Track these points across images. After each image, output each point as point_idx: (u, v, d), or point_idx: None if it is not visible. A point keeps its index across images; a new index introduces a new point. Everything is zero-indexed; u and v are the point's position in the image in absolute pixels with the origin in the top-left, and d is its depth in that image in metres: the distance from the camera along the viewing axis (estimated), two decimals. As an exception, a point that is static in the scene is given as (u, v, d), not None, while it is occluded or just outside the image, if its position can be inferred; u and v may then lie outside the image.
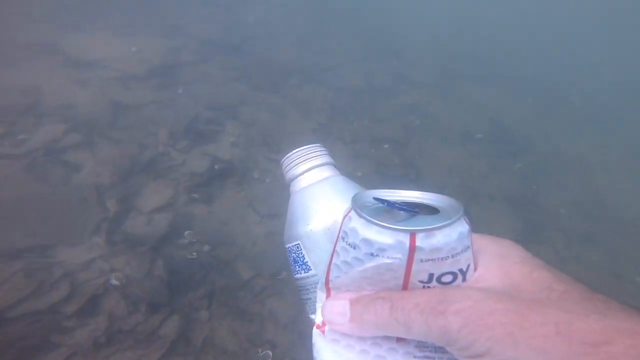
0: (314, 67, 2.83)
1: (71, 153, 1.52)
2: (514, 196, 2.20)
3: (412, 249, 0.24)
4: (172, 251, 1.38)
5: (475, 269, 0.27)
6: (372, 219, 0.25)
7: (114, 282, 1.24)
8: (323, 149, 0.40)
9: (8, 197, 1.27)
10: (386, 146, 2.14)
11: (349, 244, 0.26)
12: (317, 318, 0.30)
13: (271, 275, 1.48)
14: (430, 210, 0.28)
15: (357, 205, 0.27)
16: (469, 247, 0.26)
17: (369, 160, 2.03)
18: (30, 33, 2.18)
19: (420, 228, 0.24)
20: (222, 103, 2.18)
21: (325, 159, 0.39)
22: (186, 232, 1.49)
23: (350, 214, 0.27)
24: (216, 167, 1.72)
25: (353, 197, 0.28)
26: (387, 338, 0.28)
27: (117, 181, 1.48)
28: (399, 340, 0.28)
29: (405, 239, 0.24)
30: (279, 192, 1.74)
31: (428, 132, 2.44)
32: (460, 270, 0.26)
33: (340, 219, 0.29)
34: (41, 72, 1.89)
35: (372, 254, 0.25)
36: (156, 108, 1.97)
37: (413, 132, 2.43)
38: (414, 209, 0.27)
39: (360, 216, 0.26)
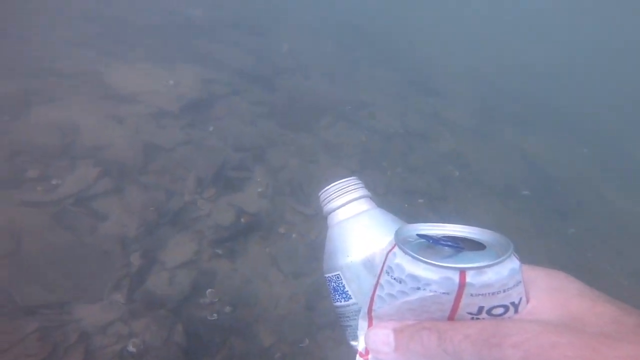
0: (346, 104, 2.78)
1: (100, 200, 1.52)
2: (564, 264, 1.99)
3: (462, 285, 0.25)
4: (193, 312, 1.33)
5: (527, 302, 0.27)
6: (419, 257, 0.26)
7: (131, 349, 1.19)
8: (359, 182, 0.42)
9: (32, 249, 1.27)
10: (421, 201, 2.02)
11: (395, 278, 0.27)
12: (360, 345, 0.31)
13: (293, 342, 1.40)
14: (475, 245, 0.29)
15: (401, 241, 0.28)
16: (520, 281, 0.26)
17: (402, 217, 1.90)
18: (76, 60, 2.27)
19: (470, 266, 0.25)
20: (250, 144, 2.16)
21: (362, 192, 0.41)
22: (208, 291, 1.43)
23: (394, 250, 0.28)
24: (242, 220, 1.67)
25: (396, 232, 0.29)
26: None
27: (143, 233, 1.46)
28: None
29: (455, 276, 0.25)
30: (305, 249, 1.67)
31: (467, 185, 2.29)
32: (512, 303, 0.26)
33: (378, 251, 0.32)
34: (81, 106, 1.95)
35: (418, 288, 0.26)
36: (186, 150, 1.97)
37: (450, 184, 2.30)
38: (458, 244, 0.28)
39: (406, 253, 0.26)
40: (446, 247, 0.28)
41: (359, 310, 0.34)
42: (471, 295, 0.25)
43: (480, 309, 0.26)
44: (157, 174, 1.79)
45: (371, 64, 3.62)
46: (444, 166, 2.39)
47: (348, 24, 4.47)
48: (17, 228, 1.29)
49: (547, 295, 0.27)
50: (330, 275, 0.38)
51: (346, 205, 0.40)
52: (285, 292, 1.54)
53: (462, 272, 0.25)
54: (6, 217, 1.31)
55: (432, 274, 0.25)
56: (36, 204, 1.41)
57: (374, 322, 0.30)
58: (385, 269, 0.28)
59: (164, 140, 1.94)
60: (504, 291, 0.26)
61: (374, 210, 0.41)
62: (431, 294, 0.26)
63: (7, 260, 1.19)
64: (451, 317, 0.27)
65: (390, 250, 0.28)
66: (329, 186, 0.42)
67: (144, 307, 1.27)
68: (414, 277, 0.26)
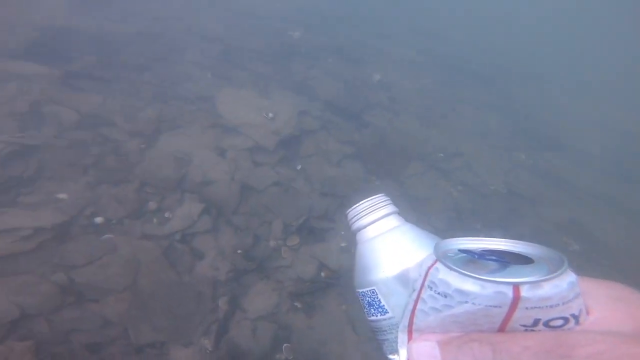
0: (439, 150, 2.61)
1: (200, 239, 1.67)
2: None
3: (516, 298, 0.24)
4: (270, 368, 1.38)
5: (587, 313, 0.26)
6: (467, 272, 0.25)
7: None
8: (387, 198, 0.43)
9: (145, 284, 1.45)
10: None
11: (439, 293, 0.27)
12: (401, 358, 0.31)
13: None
14: (521, 259, 0.28)
15: (441, 256, 0.28)
16: (579, 294, 0.26)
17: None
18: (197, 83, 2.56)
19: (525, 280, 0.24)
20: (336, 189, 2.17)
21: (392, 208, 0.42)
22: (284, 346, 1.48)
23: (437, 265, 0.28)
24: (322, 274, 1.68)
25: (435, 247, 0.29)
26: None
27: (231, 278, 1.57)
28: None
29: (508, 291, 0.24)
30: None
31: (589, 263, 1.93)
32: (572, 315, 0.25)
33: (412, 266, 0.33)
34: (197, 136, 2.18)
35: (466, 302, 0.26)
36: (275, 192, 2.06)
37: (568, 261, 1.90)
38: (504, 259, 0.28)
39: (451, 269, 0.26)
40: (491, 262, 0.28)
41: (396, 324, 0.34)
42: (526, 308, 0.25)
43: (536, 321, 0.25)
44: (248, 215, 1.90)
45: (475, 106, 3.31)
46: (558, 238, 2.04)
47: (452, 57, 4.18)
48: (136, 261, 1.49)
49: (611, 306, 0.26)
50: (364, 290, 0.39)
51: (376, 222, 0.42)
52: (357, 355, 1.51)
53: (516, 286, 0.24)
54: (130, 248, 1.52)
55: (482, 289, 0.25)
56: (152, 237, 1.61)
57: (414, 335, 0.30)
58: (427, 284, 0.28)
59: (256, 180, 2.06)
60: (564, 304, 0.25)
61: (404, 226, 0.41)
62: (481, 307, 0.25)
63: (127, 294, 1.38)
64: (502, 329, 0.26)
65: (431, 266, 0.28)
66: (358, 204, 0.43)
67: (229, 357, 1.35)
68: (461, 292, 0.26)
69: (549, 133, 3.22)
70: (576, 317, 0.26)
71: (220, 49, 3.06)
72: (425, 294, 0.28)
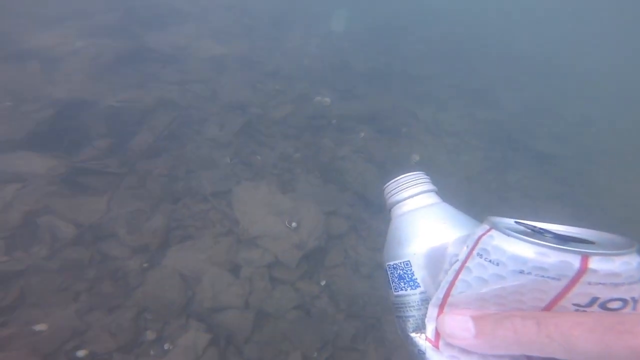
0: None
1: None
2: None
3: (583, 270, 0.24)
4: None
5: None
6: (529, 238, 0.25)
7: None
8: (427, 176, 0.43)
9: None
10: None
11: (490, 261, 0.27)
12: (428, 332, 0.31)
13: None
14: (580, 241, 0.27)
15: (497, 225, 0.28)
16: None
17: None
18: (213, 172, 2.32)
19: (596, 251, 0.24)
20: (366, 310, 1.87)
21: (431, 185, 0.42)
22: None
23: (491, 233, 0.27)
24: None
25: (489, 219, 0.30)
26: (514, 357, 0.27)
27: None
28: None
29: (575, 260, 0.24)
30: None
31: None
32: (633, 298, 0.25)
33: (451, 242, 0.33)
34: (209, 248, 1.91)
35: (521, 271, 0.25)
36: (295, 316, 1.75)
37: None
38: (562, 237, 0.27)
39: (509, 235, 0.26)
40: (549, 236, 0.27)
41: (426, 299, 0.34)
42: (589, 283, 0.24)
43: (593, 301, 0.24)
44: (262, 346, 1.63)
45: (526, 193, 2.91)
46: None
47: (503, 126, 3.80)
48: None
49: None
50: (396, 262, 0.38)
51: (416, 197, 0.41)
52: None
53: (585, 256, 0.24)
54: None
55: (544, 256, 0.24)
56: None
57: (445, 309, 0.30)
58: (476, 251, 0.28)
59: (274, 305, 1.77)
60: (629, 284, 0.24)
61: (443, 204, 0.41)
62: (535, 279, 0.25)
63: None
64: (548, 308, 0.25)
65: (484, 234, 0.28)
66: (398, 178, 0.42)
67: None
68: (518, 259, 0.25)
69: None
70: (635, 302, 0.25)
71: (242, 120, 2.84)
72: (472, 262, 0.28)
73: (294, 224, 2.04)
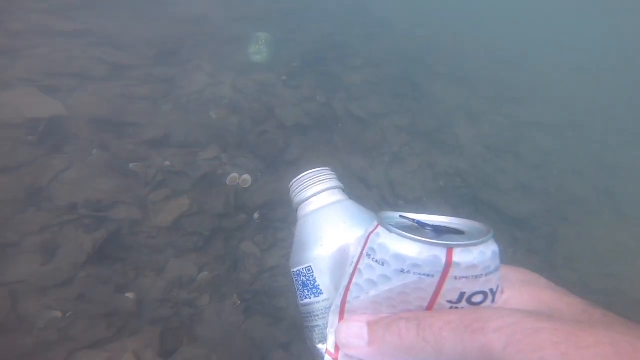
0: None
1: None
2: None
3: (448, 264, 0.25)
4: None
5: (502, 292, 0.28)
6: (406, 233, 0.26)
7: None
8: (332, 172, 0.42)
9: None
10: None
11: (376, 261, 0.27)
12: (329, 344, 0.30)
13: None
14: (454, 232, 0.29)
15: (384, 221, 0.28)
16: (499, 267, 0.27)
17: None
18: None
19: (458, 243, 0.25)
20: None
21: (335, 182, 0.42)
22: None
23: (377, 230, 0.28)
24: None
25: (378, 215, 0.30)
26: None
27: None
28: None
29: (442, 254, 0.25)
30: None
31: None
32: (491, 290, 0.27)
33: (353, 241, 0.33)
34: None
35: (402, 271, 0.26)
36: None
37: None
38: (439, 230, 0.29)
39: (391, 231, 0.26)
40: (429, 229, 0.29)
41: (329, 307, 0.32)
42: (455, 278, 0.25)
43: (461, 296, 0.26)
44: None
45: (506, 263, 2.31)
46: None
47: (479, 181, 3.20)
48: None
49: (520, 288, 0.28)
50: (300, 268, 0.36)
51: (319, 195, 0.40)
52: None
53: (450, 249, 0.25)
54: None
55: (418, 252, 0.25)
56: None
57: (345, 316, 0.29)
58: (366, 251, 0.28)
59: None
60: (486, 275, 0.25)
61: (347, 201, 0.40)
62: (414, 278, 0.25)
63: None
64: (430, 307, 0.27)
65: (372, 232, 0.28)
66: (301, 175, 0.41)
67: None
68: (398, 257, 0.25)
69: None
70: (493, 294, 0.26)
71: (102, 235, 1.78)
72: (363, 263, 0.28)
73: None
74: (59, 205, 1.99)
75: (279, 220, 2.33)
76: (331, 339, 0.29)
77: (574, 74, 6.11)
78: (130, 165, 2.21)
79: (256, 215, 2.26)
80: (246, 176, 2.39)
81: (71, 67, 2.55)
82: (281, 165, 2.57)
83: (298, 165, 2.61)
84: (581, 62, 6.53)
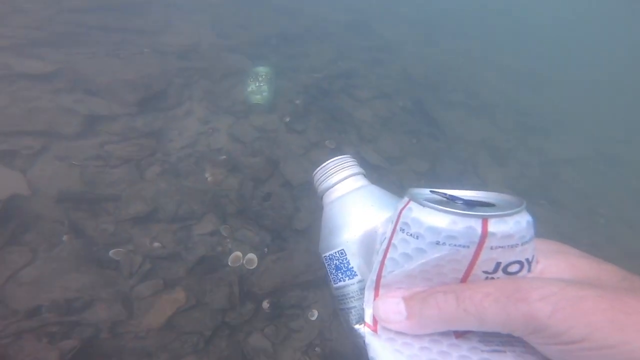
0: None
1: None
2: None
3: (484, 234, 0.26)
4: None
5: (537, 262, 0.29)
6: (439, 206, 0.27)
7: None
8: (354, 159, 0.45)
9: None
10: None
11: (411, 235, 0.28)
12: (367, 317, 0.32)
13: None
14: (485, 205, 0.30)
15: (415, 196, 0.30)
16: (534, 237, 0.28)
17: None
18: None
19: (493, 213, 0.26)
20: None
21: (358, 168, 0.45)
22: None
23: (409, 205, 0.29)
24: None
25: (408, 191, 0.32)
26: (445, 334, 0.29)
27: None
28: (458, 335, 0.29)
29: (477, 225, 0.26)
30: None
31: None
32: (527, 259, 0.28)
33: (380, 224, 0.35)
34: None
35: (437, 243, 0.27)
36: None
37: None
38: (470, 202, 0.30)
39: (425, 205, 0.28)
40: (460, 202, 0.30)
41: (364, 288, 0.34)
42: (491, 248, 0.26)
43: (497, 266, 0.27)
44: None
45: None
46: None
47: None
48: None
49: (555, 257, 0.29)
50: (332, 252, 0.38)
51: (344, 181, 0.42)
52: None
53: (485, 220, 0.26)
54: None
55: (453, 224, 0.26)
56: None
57: (380, 291, 0.31)
58: (399, 226, 0.29)
59: None
60: (522, 244, 0.27)
61: (371, 186, 0.43)
62: (450, 249, 0.27)
63: None
64: (465, 278, 0.28)
65: (404, 207, 0.30)
66: (325, 164, 0.44)
67: None
68: (433, 230, 0.27)
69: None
70: (529, 263, 0.28)
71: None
72: (397, 238, 0.29)
73: None
74: (17, 309, 1.60)
75: (292, 306, 1.97)
76: (368, 312, 0.31)
77: (597, 95, 5.85)
78: (110, 252, 1.81)
79: (265, 305, 1.89)
80: (251, 255, 2.01)
81: (36, 123, 2.14)
82: (290, 235, 2.20)
83: (309, 236, 2.24)
84: (600, 79, 6.27)
